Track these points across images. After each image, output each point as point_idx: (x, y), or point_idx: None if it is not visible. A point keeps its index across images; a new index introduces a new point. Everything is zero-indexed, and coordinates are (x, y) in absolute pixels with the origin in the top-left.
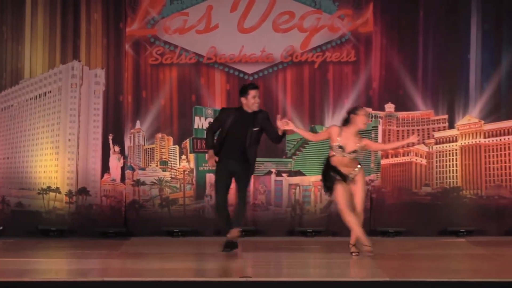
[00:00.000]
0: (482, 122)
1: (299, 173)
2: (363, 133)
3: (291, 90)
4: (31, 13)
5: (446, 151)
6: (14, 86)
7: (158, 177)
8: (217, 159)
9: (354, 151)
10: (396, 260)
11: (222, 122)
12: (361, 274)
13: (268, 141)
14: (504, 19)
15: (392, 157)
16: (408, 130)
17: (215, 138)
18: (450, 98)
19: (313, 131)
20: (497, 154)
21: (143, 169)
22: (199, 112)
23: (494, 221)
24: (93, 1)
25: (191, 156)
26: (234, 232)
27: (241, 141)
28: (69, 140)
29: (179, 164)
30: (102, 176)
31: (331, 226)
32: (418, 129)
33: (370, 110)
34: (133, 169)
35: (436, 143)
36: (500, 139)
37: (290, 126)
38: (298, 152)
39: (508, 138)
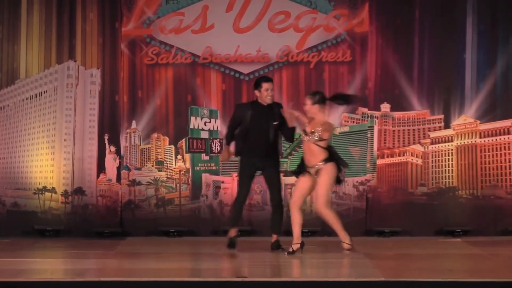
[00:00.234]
0: (478, 122)
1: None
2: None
3: (286, 90)
4: (26, 12)
5: (442, 151)
6: (10, 86)
7: (154, 177)
8: (232, 154)
9: (311, 133)
10: (392, 260)
11: (239, 118)
12: (357, 274)
13: None
14: (499, 19)
15: (388, 157)
16: (403, 130)
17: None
18: (446, 98)
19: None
20: (492, 154)
21: (139, 169)
22: (195, 112)
23: (490, 221)
24: (88, 0)
25: (187, 156)
26: (232, 232)
27: (264, 135)
28: (64, 140)
29: (175, 164)
30: (98, 176)
31: (326, 226)
32: (414, 129)
33: (365, 110)
34: (129, 169)
35: (432, 143)
36: (496, 139)
37: (296, 114)
38: (294, 152)
39: (504, 138)
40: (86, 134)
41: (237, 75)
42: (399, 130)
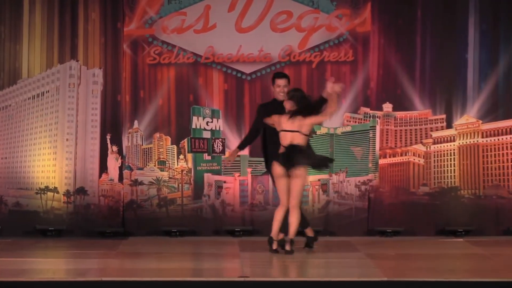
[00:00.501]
0: (480, 121)
1: None
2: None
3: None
4: (29, 12)
5: (444, 150)
6: (12, 86)
7: (156, 177)
8: (235, 156)
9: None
10: (394, 260)
11: (261, 119)
12: (359, 274)
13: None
14: (501, 19)
15: (390, 156)
16: (406, 130)
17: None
18: (448, 98)
19: (312, 131)
20: (495, 154)
21: (141, 169)
22: (197, 112)
23: (492, 221)
24: (90, 0)
25: (189, 156)
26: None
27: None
28: (67, 139)
29: (177, 164)
30: (100, 176)
31: (329, 226)
32: (416, 129)
33: (368, 109)
34: (131, 169)
35: (434, 143)
36: (498, 139)
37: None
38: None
39: (506, 138)
40: (88, 134)
41: (239, 75)
42: (401, 130)
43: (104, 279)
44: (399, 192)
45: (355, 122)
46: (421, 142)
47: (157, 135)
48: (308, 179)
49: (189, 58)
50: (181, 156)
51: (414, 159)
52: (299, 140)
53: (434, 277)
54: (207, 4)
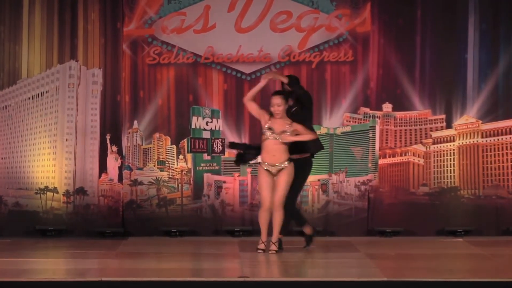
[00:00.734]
0: (480, 122)
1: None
2: (360, 134)
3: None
4: (28, 12)
5: (443, 151)
6: (12, 86)
7: (156, 177)
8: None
9: (283, 131)
10: (393, 260)
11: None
12: (359, 274)
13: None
14: (501, 18)
15: (389, 157)
16: (405, 130)
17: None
18: (448, 98)
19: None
20: (494, 154)
21: (141, 169)
22: (197, 112)
23: (492, 221)
24: (90, 0)
25: (189, 156)
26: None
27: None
28: (66, 140)
29: (177, 164)
30: (99, 176)
31: (328, 226)
32: (415, 129)
33: (367, 109)
34: (130, 169)
35: (434, 143)
36: (498, 139)
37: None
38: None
39: (506, 138)
40: (88, 134)
41: (239, 75)
42: (401, 130)
43: (103, 279)
44: (398, 192)
45: (355, 122)
46: (421, 142)
47: (157, 135)
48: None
49: (189, 58)
50: (181, 156)
51: (413, 159)
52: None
53: (434, 277)
54: (207, 4)
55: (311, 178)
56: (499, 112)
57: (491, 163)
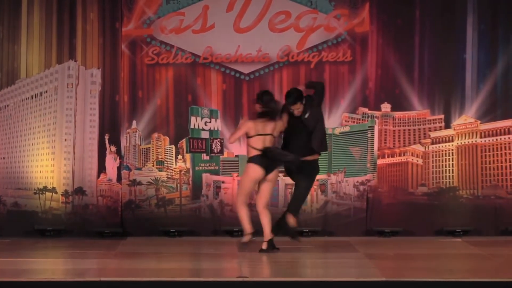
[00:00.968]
0: (478, 122)
1: None
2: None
3: (287, 90)
4: (27, 13)
5: (442, 151)
6: (10, 86)
7: (155, 177)
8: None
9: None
10: (392, 260)
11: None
12: (357, 274)
13: None
14: (500, 19)
15: (388, 157)
16: (404, 130)
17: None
18: (446, 98)
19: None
20: (493, 154)
21: (140, 169)
22: (195, 112)
23: (490, 221)
24: (89, 1)
25: (187, 156)
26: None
27: (299, 139)
28: (65, 140)
29: (175, 164)
30: (98, 176)
31: (327, 226)
32: (414, 129)
33: (366, 110)
34: (129, 169)
35: (432, 143)
36: (496, 139)
37: None
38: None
39: (504, 138)
40: (87, 134)
41: (237, 75)
42: (399, 130)
43: (102, 279)
44: (397, 192)
45: (354, 122)
46: (420, 142)
47: (156, 135)
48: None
49: (188, 58)
50: (180, 156)
51: (412, 159)
52: (271, 143)
53: (433, 277)
54: (205, 4)
55: None
56: (497, 112)
57: (489, 163)
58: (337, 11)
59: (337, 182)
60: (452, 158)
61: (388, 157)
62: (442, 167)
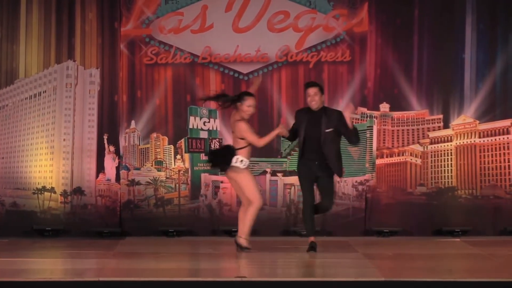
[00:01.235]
0: (477, 122)
1: (294, 173)
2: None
3: (286, 90)
4: (25, 12)
5: (441, 151)
6: (9, 86)
7: (153, 177)
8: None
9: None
10: (391, 260)
11: (296, 124)
12: (356, 274)
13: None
14: (499, 18)
15: (387, 157)
16: (403, 130)
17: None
18: (445, 98)
19: None
20: (492, 154)
21: (138, 169)
22: (194, 112)
23: (489, 221)
24: (88, 0)
25: (186, 156)
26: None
27: (316, 141)
28: (64, 140)
29: (174, 164)
30: (97, 176)
31: (326, 226)
32: (413, 129)
33: (365, 109)
34: (128, 169)
35: (431, 143)
36: (495, 139)
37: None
38: (293, 152)
39: (503, 138)
40: (85, 134)
41: (236, 75)
42: (398, 130)
43: (101, 279)
44: (396, 192)
45: (353, 122)
46: (418, 142)
47: (154, 135)
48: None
49: (186, 58)
50: (178, 156)
51: (411, 159)
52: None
53: (432, 277)
54: (204, 4)
55: None
56: (496, 112)
57: (488, 163)
58: (336, 11)
59: (336, 182)
60: (451, 158)
61: (386, 157)
62: (441, 167)
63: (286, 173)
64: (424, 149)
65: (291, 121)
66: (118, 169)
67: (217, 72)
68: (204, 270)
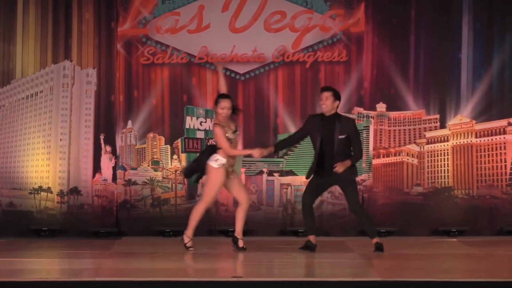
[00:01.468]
0: (474, 121)
1: (290, 173)
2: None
3: (282, 90)
4: (22, 12)
5: (437, 150)
6: (6, 86)
7: (150, 177)
8: (264, 152)
9: (234, 131)
10: (387, 260)
11: (307, 129)
12: (353, 274)
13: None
14: (495, 18)
15: (383, 157)
16: (399, 130)
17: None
18: (442, 98)
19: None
20: (488, 154)
21: (135, 169)
22: (191, 112)
23: (485, 221)
24: (84, 0)
25: (183, 156)
26: (312, 239)
27: (329, 147)
28: (60, 140)
29: (171, 164)
30: (93, 176)
31: (322, 226)
32: (409, 129)
33: (361, 109)
34: (124, 169)
35: (428, 143)
36: (492, 139)
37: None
38: (289, 152)
39: (500, 138)
40: (82, 134)
41: (233, 75)
42: (394, 130)
43: (98, 279)
44: (392, 192)
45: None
46: (415, 142)
47: (151, 135)
48: (302, 179)
49: (183, 58)
50: (175, 156)
51: (407, 159)
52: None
53: (428, 277)
54: (201, 4)
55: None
56: (493, 111)
57: (485, 163)
58: (332, 11)
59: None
60: (447, 158)
61: (383, 157)
62: (437, 167)
63: (283, 173)
64: (420, 149)
65: (287, 121)
66: (114, 169)
67: (214, 72)
68: (200, 270)
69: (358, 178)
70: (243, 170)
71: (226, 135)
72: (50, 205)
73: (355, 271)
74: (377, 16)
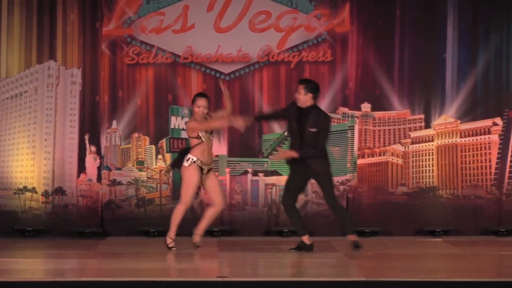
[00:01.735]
0: (459, 121)
1: (275, 173)
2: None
3: (267, 90)
4: (7, 13)
5: (422, 150)
6: None
7: (135, 177)
8: (246, 122)
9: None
10: (372, 259)
11: (284, 113)
12: (337, 274)
13: (243, 140)
14: (480, 18)
15: (368, 156)
16: (384, 130)
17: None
18: (426, 98)
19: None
20: (473, 154)
21: (120, 169)
22: (176, 112)
23: (470, 221)
24: (69, 1)
25: (168, 156)
26: (305, 239)
27: (300, 139)
28: (45, 140)
29: (156, 164)
30: (78, 176)
31: (307, 226)
32: (394, 129)
33: (346, 109)
34: (109, 169)
35: (412, 143)
36: (476, 139)
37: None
38: (274, 152)
39: (484, 138)
40: (67, 134)
41: (218, 75)
42: (379, 130)
43: (83, 279)
44: (377, 192)
45: (334, 122)
46: (400, 142)
47: (136, 135)
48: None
49: (168, 58)
50: (160, 156)
51: (392, 159)
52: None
53: (413, 277)
54: (186, 4)
55: None
56: (477, 111)
57: (469, 163)
58: (317, 11)
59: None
60: (432, 158)
61: (368, 157)
62: (422, 167)
63: (268, 173)
64: (405, 149)
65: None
66: (99, 169)
67: (199, 72)
68: (185, 270)
69: (343, 178)
70: (227, 170)
71: (199, 133)
72: (35, 205)
73: (340, 271)
74: (362, 16)
